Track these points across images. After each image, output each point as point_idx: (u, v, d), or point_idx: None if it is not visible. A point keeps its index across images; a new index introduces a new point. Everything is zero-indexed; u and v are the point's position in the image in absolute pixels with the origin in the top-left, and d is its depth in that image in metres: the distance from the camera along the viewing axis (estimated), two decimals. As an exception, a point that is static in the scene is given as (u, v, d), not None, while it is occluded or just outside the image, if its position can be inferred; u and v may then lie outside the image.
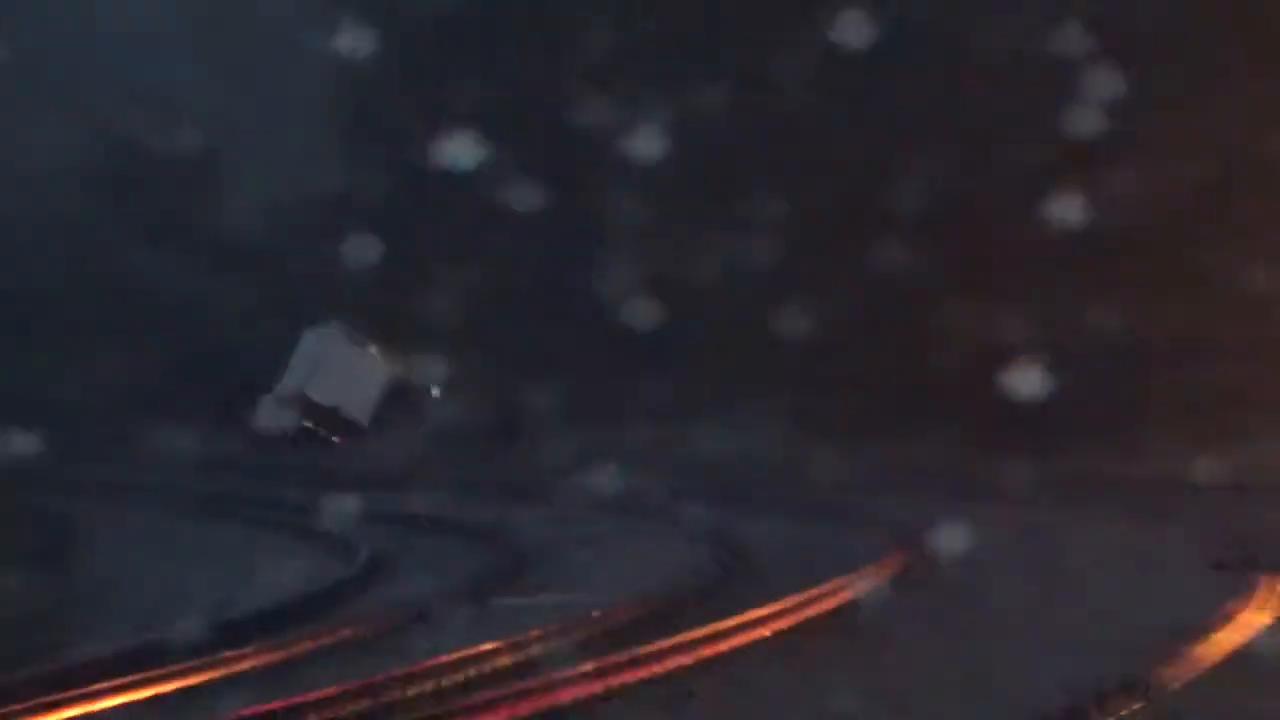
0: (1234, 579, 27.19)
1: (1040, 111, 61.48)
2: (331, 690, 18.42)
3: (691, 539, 36.36)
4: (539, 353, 52.05)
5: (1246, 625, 23.36)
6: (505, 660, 20.88)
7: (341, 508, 38.89)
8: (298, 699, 18.03)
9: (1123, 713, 17.98)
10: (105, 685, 19.75)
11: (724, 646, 22.40)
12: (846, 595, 27.20)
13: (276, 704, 17.67)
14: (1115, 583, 29.13)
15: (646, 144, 62.15)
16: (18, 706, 18.01)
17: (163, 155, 71.40)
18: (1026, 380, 49.95)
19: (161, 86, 78.46)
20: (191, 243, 63.13)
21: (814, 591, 26.64)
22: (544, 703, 17.96)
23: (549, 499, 44.62)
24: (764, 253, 64.12)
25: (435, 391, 43.93)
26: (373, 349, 44.05)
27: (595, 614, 25.63)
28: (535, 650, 21.88)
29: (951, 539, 31.34)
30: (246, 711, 17.63)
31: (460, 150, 64.12)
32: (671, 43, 72.71)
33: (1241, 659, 21.27)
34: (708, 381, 54.97)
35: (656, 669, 20.50)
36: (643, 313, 56.92)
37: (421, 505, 44.13)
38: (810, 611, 25.45)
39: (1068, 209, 56.69)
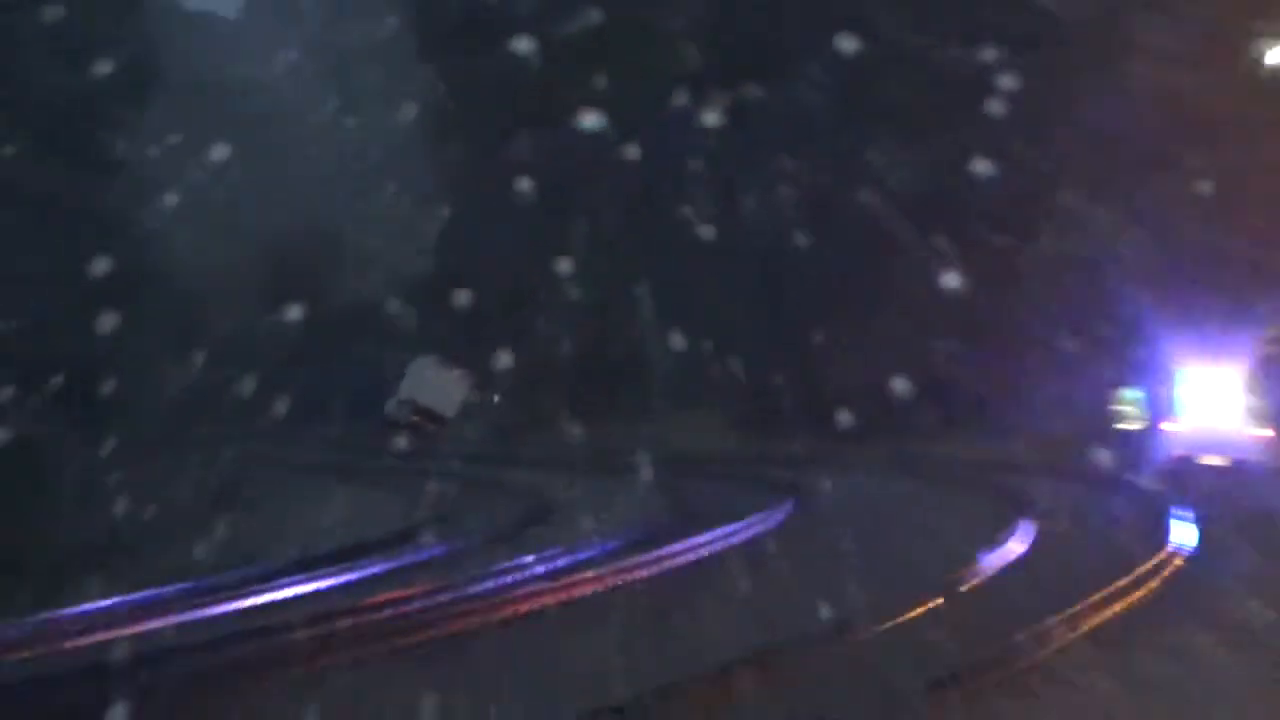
0: (1003, 520, 30.84)
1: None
2: (427, 586, 24.42)
3: (662, 495, 40.83)
4: (550, 376, 53.07)
5: (1011, 549, 27.60)
6: (537, 569, 27.08)
7: (432, 476, 44.76)
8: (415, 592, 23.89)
9: (930, 604, 21.65)
10: (295, 578, 27.16)
11: (678, 562, 28.31)
12: (753, 531, 33.32)
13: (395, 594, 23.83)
14: (928, 521, 32.91)
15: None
16: (258, 587, 25.35)
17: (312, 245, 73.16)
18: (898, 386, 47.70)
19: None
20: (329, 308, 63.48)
21: (733, 526, 32.66)
22: (563, 596, 24.01)
23: (566, 470, 48.32)
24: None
25: (496, 399, 50.20)
26: (456, 371, 49.99)
27: (594, 540, 31.62)
28: (559, 562, 28.40)
29: (824, 492, 39.21)
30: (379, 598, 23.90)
31: None
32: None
33: (1011, 569, 25.61)
34: (665, 395, 53.22)
35: (639, 574, 26.63)
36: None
37: (480, 473, 51.02)
38: (733, 541, 31.36)
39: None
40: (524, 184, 53.02)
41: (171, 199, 43.50)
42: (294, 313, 50.68)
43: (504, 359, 50.75)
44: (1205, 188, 52.88)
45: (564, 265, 49.61)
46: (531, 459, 55.12)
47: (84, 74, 42.89)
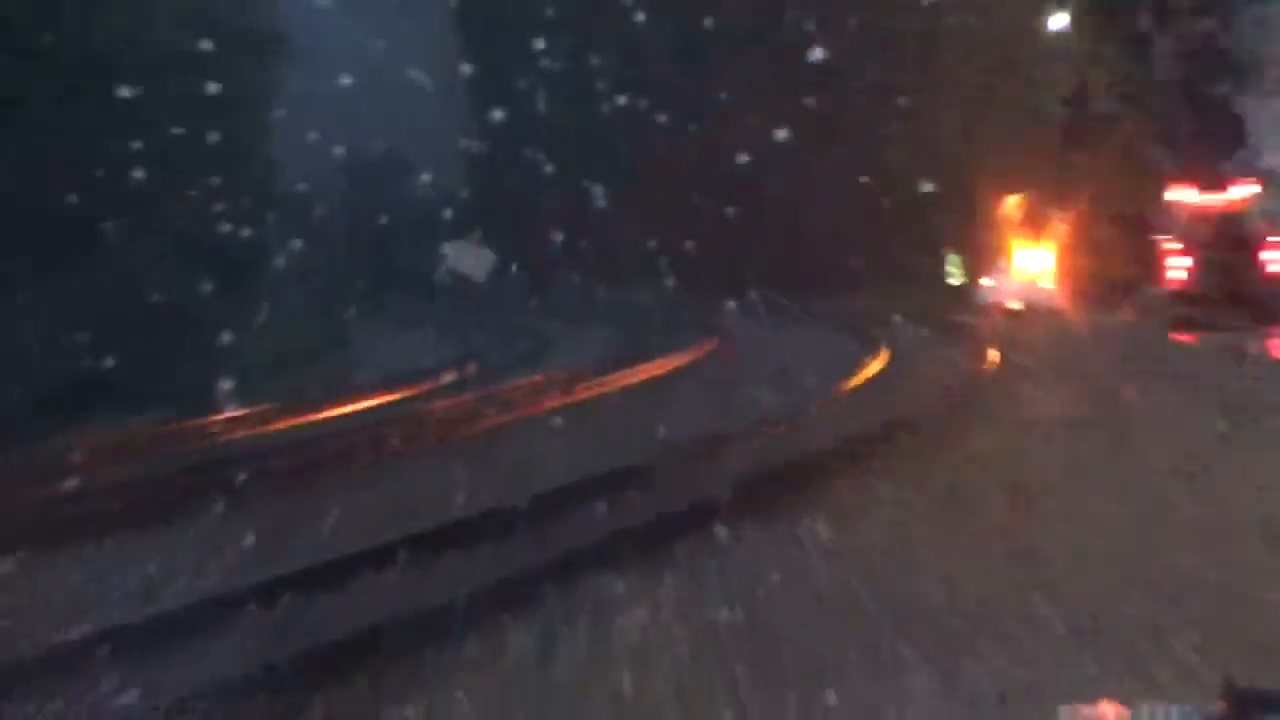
0: (867, 349, 32.96)
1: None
2: (468, 396, 28.05)
3: (625, 335, 43.33)
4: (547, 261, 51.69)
5: (872, 366, 29.82)
6: (539, 381, 30.45)
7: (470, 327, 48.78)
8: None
9: (814, 408, 23.65)
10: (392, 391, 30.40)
11: (631, 380, 30.81)
12: (693, 355, 36.40)
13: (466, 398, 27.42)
14: (818, 353, 34.07)
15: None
16: (365, 398, 28.56)
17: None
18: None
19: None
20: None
21: (676, 355, 35.49)
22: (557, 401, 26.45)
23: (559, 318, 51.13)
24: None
25: (513, 268, 48.07)
26: (484, 249, 47.75)
27: (560, 373, 32.48)
28: (555, 378, 30.67)
29: (743, 335, 40.66)
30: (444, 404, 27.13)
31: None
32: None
33: (871, 381, 27.56)
34: (630, 271, 52.01)
35: (618, 383, 29.76)
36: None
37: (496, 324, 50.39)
38: (672, 364, 34.09)
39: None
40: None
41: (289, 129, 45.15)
42: (381, 219, 50.83)
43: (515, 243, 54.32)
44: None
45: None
46: (546, 313, 53.28)
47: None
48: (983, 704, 9.40)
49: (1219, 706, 2.22)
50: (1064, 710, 2.84)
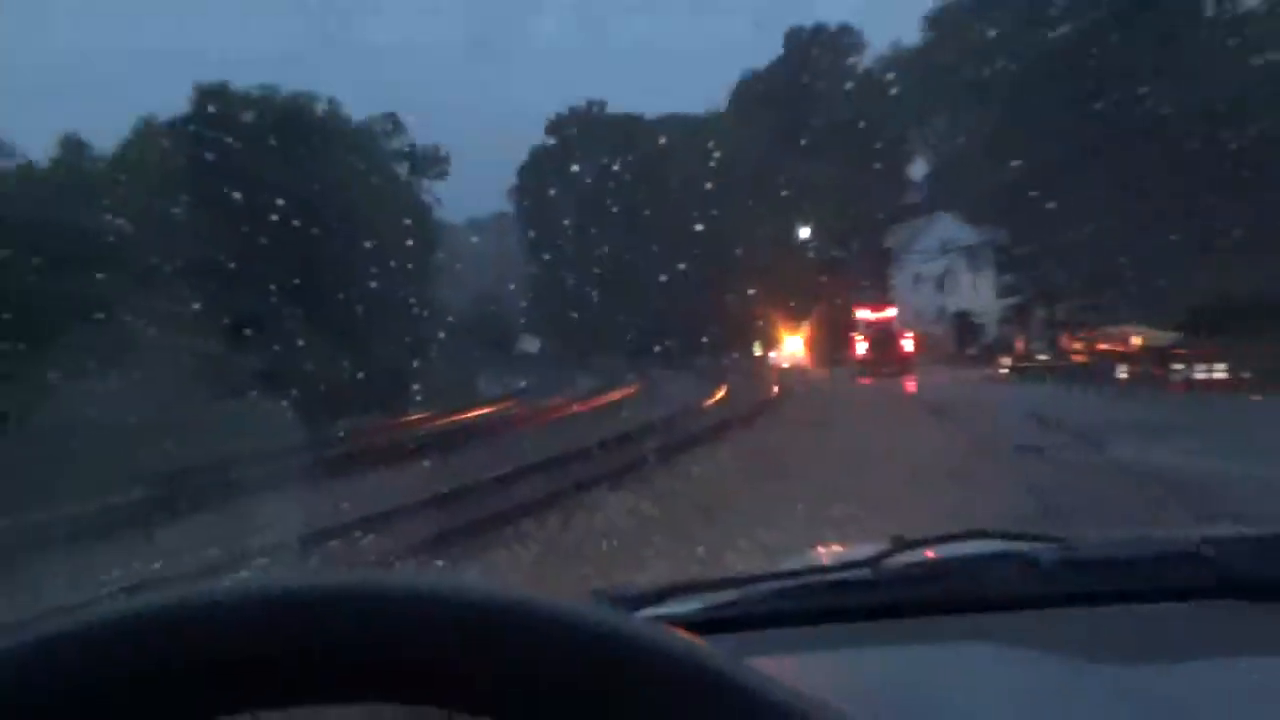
0: (715, 385, 34.26)
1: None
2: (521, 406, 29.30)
3: (596, 380, 42.60)
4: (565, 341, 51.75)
5: (717, 394, 31.29)
6: (557, 400, 31.57)
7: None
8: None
9: (689, 412, 25.55)
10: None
11: (604, 400, 32.36)
12: (635, 388, 36.98)
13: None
14: (692, 388, 34.45)
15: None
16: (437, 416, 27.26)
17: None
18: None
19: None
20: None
21: (626, 389, 36.73)
22: (569, 410, 29.48)
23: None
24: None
25: (548, 346, 47.89)
26: (536, 338, 47.59)
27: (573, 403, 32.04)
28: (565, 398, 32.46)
29: (657, 378, 40.20)
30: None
31: None
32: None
33: (718, 401, 29.69)
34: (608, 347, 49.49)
35: (586, 404, 30.94)
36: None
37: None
38: (624, 393, 35.27)
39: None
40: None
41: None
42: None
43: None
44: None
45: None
46: (565, 369, 48.06)
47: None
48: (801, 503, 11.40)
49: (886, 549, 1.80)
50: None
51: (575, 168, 52.42)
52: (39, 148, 24.73)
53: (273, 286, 24.24)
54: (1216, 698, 1.11)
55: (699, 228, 46.75)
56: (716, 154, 50.13)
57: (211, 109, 28.69)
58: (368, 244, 29.45)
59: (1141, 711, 1.09)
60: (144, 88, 42.56)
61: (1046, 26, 40.69)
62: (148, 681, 0.61)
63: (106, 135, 27.96)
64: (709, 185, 49.01)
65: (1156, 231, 32.46)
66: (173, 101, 29.49)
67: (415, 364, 31.68)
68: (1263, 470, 12.24)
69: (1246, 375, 25.45)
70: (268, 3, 60.46)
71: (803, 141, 48.81)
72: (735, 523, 10.95)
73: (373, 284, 29.65)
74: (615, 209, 49.78)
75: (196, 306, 20.39)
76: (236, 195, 25.14)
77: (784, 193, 49.25)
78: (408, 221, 33.56)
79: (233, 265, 22.60)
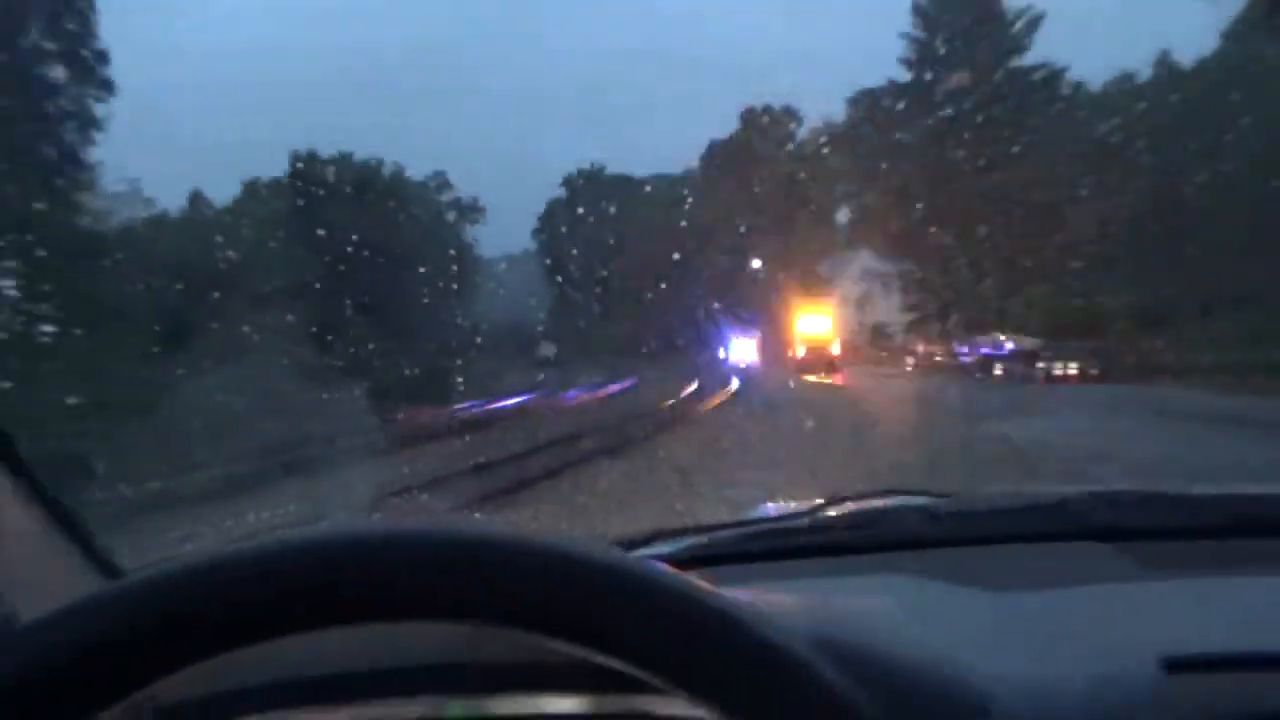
0: (688, 382, 30.52)
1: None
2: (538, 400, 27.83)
3: (604, 372, 38.92)
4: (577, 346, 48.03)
5: (688, 389, 28.09)
6: (570, 396, 29.83)
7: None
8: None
9: (670, 400, 23.93)
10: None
11: (605, 393, 30.69)
12: (628, 384, 34.48)
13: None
14: (670, 381, 30.64)
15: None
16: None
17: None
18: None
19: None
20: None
21: (621, 382, 34.29)
22: (582, 401, 28.04)
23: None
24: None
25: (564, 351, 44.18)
26: (553, 344, 45.06)
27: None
28: (575, 392, 30.60)
29: (646, 375, 37.24)
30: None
31: None
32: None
33: (691, 392, 27.34)
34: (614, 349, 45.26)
35: (590, 399, 28.93)
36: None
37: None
38: (624, 385, 33.05)
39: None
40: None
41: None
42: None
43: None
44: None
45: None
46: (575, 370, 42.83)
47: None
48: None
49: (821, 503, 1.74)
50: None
51: (582, 213, 53.31)
52: (168, 198, 24.74)
53: (349, 304, 24.35)
54: (1074, 617, 1.12)
55: (676, 257, 47.22)
56: (689, 203, 50.75)
57: (302, 170, 28.99)
58: (421, 271, 29.49)
59: (1014, 625, 1.09)
60: (251, 152, 42.60)
61: (933, 110, 41.52)
62: (289, 597, 0.64)
63: (223, 189, 28.03)
64: (684, 226, 49.38)
65: (1014, 264, 33.16)
66: (274, 164, 29.65)
67: (458, 363, 31.41)
68: (1086, 438, 12.88)
69: (1093, 371, 25.50)
70: (345, 90, 59.67)
71: (755, 190, 49.32)
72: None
73: (425, 301, 29.60)
74: (612, 245, 50.24)
75: (291, 319, 20.42)
76: (322, 234, 25.43)
77: (741, 232, 49.66)
78: (453, 254, 33.82)
79: (319, 288, 22.70)
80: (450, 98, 72.58)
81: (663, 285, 45.21)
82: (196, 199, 27.10)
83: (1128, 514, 1.56)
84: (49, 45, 17.76)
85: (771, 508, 2.03)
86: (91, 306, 15.30)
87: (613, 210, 52.71)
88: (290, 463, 13.60)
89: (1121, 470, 10.35)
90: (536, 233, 61.26)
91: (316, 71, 71.65)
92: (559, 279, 51.71)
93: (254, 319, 19.51)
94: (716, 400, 25.18)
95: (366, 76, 69.91)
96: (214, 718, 0.99)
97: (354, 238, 25.22)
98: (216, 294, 19.52)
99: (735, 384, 30.72)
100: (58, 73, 18.02)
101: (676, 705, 0.95)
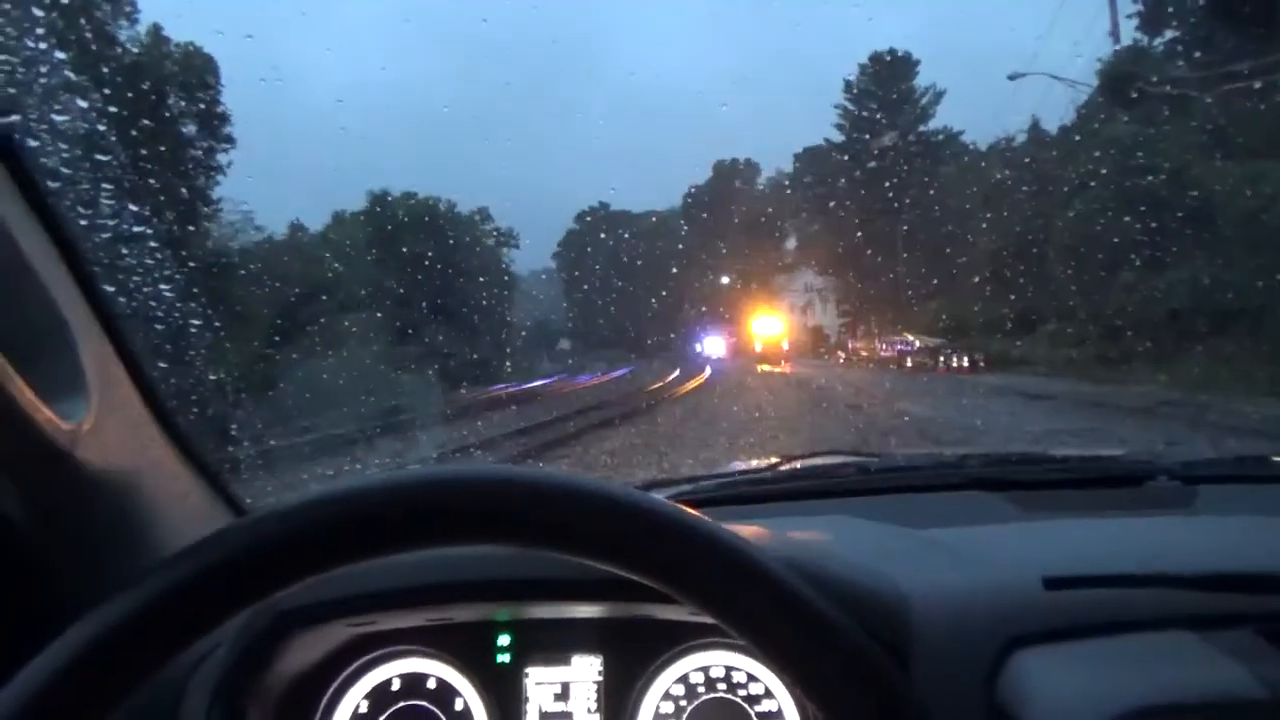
0: (671, 370, 29.77)
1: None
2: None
3: (607, 364, 37.14)
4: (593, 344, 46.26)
5: (669, 376, 27.19)
6: (585, 378, 28.88)
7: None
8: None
9: (657, 384, 23.58)
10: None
11: (606, 378, 29.13)
12: (629, 369, 33.18)
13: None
14: (658, 369, 31.07)
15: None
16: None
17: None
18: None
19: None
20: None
21: (624, 368, 33.19)
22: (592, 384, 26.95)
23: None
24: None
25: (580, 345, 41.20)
26: (570, 341, 43.17)
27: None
28: (587, 377, 29.53)
29: (641, 364, 36.34)
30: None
31: None
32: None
33: (675, 376, 26.56)
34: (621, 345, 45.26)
35: (595, 384, 27.99)
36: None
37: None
38: (629, 369, 32.34)
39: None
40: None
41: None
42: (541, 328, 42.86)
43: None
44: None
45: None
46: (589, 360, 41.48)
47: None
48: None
49: (779, 460, 1.67)
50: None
51: (591, 240, 52.70)
52: (272, 225, 24.50)
53: (424, 305, 24.14)
54: (972, 547, 1.08)
55: (664, 274, 47.00)
56: (674, 234, 50.95)
57: (378, 205, 28.64)
58: (476, 282, 29.28)
59: (926, 553, 1.06)
60: (334, 187, 45.37)
61: (861, 163, 41.20)
62: (406, 523, 0.65)
63: (312, 217, 28.59)
64: (670, 250, 49.21)
65: (923, 281, 33.03)
66: (354, 196, 29.71)
67: (505, 352, 31.36)
68: (967, 416, 12.60)
69: (981, 364, 25.08)
70: (408, 139, 59.69)
71: (726, 223, 48.73)
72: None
73: (477, 306, 29.15)
74: (615, 265, 49.37)
75: (380, 316, 20.31)
76: (397, 254, 25.16)
77: (715, 255, 49.27)
78: (495, 271, 33.81)
79: (399, 295, 22.53)
80: (489, 148, 73.27)
81: (653, 297, 44.40)
82: (296, 226, 26.59)
83: (1012, 470, 1.53)
84: (185, 107, 18.17)
85: (738, 464, 1.93)
86: (228, 308, 14.88)
87: (615, 238, 52.14)
88: (381, 426, 13.45)
89: (1002, 436, 10.63)
90: (557, 256, 61.12)
91: (386, 125, 73.07)
92: (576, 293, 51.36)
93: (350, 318, 19.46)
94: (694, 384, 24.51)
95: (424, 129, 70.78)
96: (319, 620, 1.00)
97: (425, 256, 25.00)
98: (323, 298, 19.36)
99: (708, 371, 29.95)
100: (191, 129, 18.52)
101: (674, 612, 1.03)
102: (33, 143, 0.92)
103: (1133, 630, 0.84)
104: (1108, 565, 0.93)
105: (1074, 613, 0.87)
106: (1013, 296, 24.45)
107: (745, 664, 1.11)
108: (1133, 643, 0.83)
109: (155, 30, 18.16)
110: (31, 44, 0.99)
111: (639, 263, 49.20)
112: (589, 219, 55.91)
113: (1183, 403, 11.79)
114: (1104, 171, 19.45)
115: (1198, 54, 19.26)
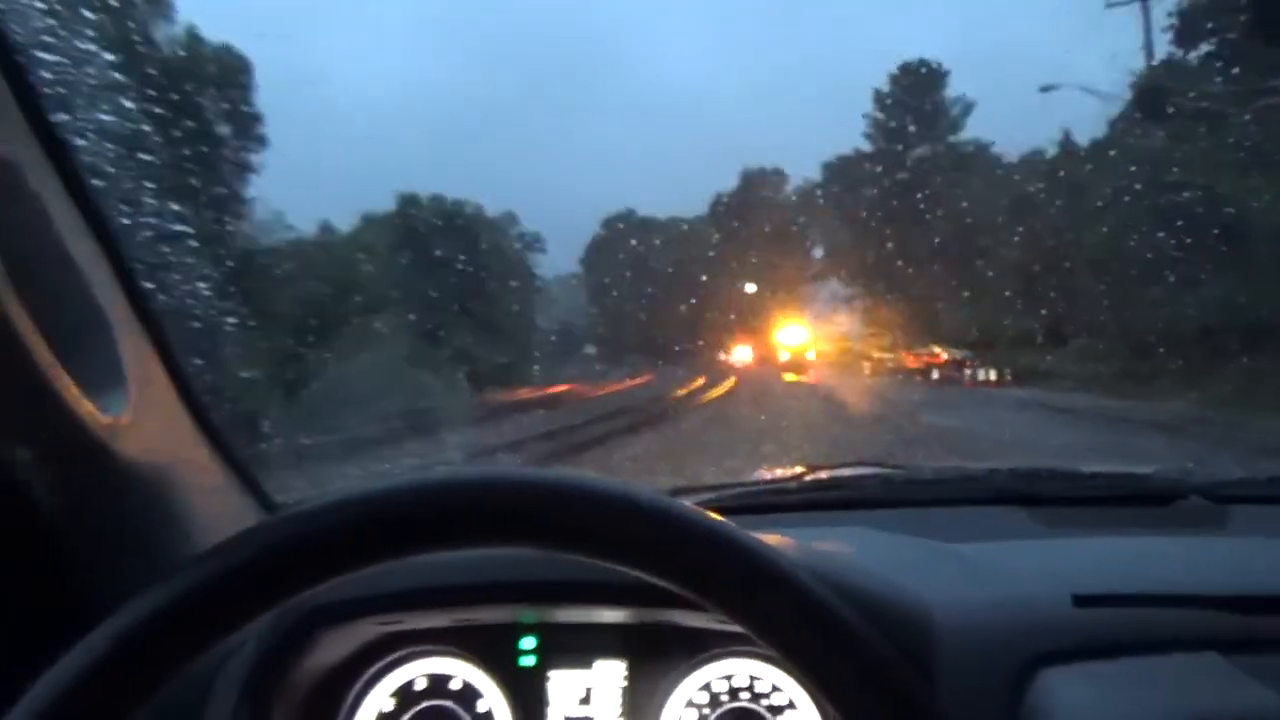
0: (697, 375, 29.68)
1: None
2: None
3: (629, 370, 36.82)
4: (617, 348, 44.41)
5: (697, 382, 27.17)
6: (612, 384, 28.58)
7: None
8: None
9: (681, 391, 23.56)
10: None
11: (635, 383, 29.47)
12: (650, 376, 34.23)
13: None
14: (680, 376, 29.66)
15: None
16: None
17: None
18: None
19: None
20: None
21: (643, 377, 34.30)
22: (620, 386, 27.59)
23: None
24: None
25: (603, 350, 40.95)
26: (595, 347, 43.06)
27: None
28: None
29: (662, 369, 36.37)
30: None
31: None
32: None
33: (696, 385, 26.15)
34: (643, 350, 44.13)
35: (625, 386, 28.53)
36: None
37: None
38: (643, 380, 32.39)
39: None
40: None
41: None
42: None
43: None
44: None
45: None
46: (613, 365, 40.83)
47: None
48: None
49: (804, 470, 1.64)
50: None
51: (617, 246, 52.61)
52: (301, 225, 24.30)
53: (453, 307, 24.15)
54: (999, 563, 1.08)
55: (695, 283, 46.98)
56: (699, 241, 50.55)
57: (407, 207, 28.77)
58: (505, 287, 29.47)
59: (952, 567, 1.06)
60: (366, 188, 44.06)
61: (890, 173, 41.78)
62: (426, 523, 0.65)
63: (341, 218, 28.05)
64: (694, 258, 48.93)
65: (951, 293, 32.84)
66: (383, 198, 29.56)
67: (531, 356, 31.00)
68: (994, 429, 12.65)
69: (1008, 377, 25.02)
70: (435, 142, 60.10)
71: (752, 232, 48.93)
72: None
73: (504, 310, 29.22)
74: (641, 272, 49.46)
75: (412, 318, 20.51)
76: (427, 256, 25.35)
77: (740, 264, 49.27)
78: (523, 275, 34.05)
79: (429, 297, 22.56)
80: (516, 152, 73.07)
81: (679, 304, 44.60)
82: (325, 227, 26.49)
83: (1039, 485, 1.52)
84: (219, 108, 18.37)
85: (764, 472, 1.94)
86: (261, 306, 14.91)
87: (641, 245, 52.34)
88: (409, 426, 13.55)
89: (1030, 449, 10.56)
90: (583, 261, 60.99)
91: (413, 127, 73.00)
92: (601, 298, 51.67)
93: (380, 319, 19.58)
94: (718, 391, 24.42)
95: (453, 133, 71.09)
96: (346, 619, 1.01)
97: (454, 259, 25.18)
98: (355, 298, 19.51)
99: (733, 379, 29.60)
100: (225, 130, 18.69)
101: (699, 619, 1.03)
102: (80, 142, 0.93)
103: (1161, 651, 0.83)
104: (1137, 584, 0.93)
105: (1102, 631, 0.86)
106: (1042, 310, 24.43)
107: (770, 674, 1.11)
108: (1161, 664, 0.82)
109: (191, 31, 18.58)
110: (80, 45, 1.00)
111: (665, 269, 49.56)
112: (616, 225, 55.86)
113: (1214, 421, 11.64)
114: (1136, 186, 19.34)
115: (1234, 69, 19.05)
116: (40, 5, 0.92)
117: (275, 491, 1.27)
